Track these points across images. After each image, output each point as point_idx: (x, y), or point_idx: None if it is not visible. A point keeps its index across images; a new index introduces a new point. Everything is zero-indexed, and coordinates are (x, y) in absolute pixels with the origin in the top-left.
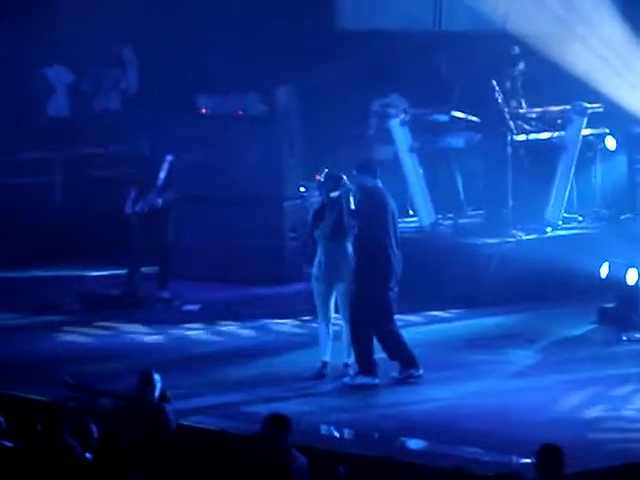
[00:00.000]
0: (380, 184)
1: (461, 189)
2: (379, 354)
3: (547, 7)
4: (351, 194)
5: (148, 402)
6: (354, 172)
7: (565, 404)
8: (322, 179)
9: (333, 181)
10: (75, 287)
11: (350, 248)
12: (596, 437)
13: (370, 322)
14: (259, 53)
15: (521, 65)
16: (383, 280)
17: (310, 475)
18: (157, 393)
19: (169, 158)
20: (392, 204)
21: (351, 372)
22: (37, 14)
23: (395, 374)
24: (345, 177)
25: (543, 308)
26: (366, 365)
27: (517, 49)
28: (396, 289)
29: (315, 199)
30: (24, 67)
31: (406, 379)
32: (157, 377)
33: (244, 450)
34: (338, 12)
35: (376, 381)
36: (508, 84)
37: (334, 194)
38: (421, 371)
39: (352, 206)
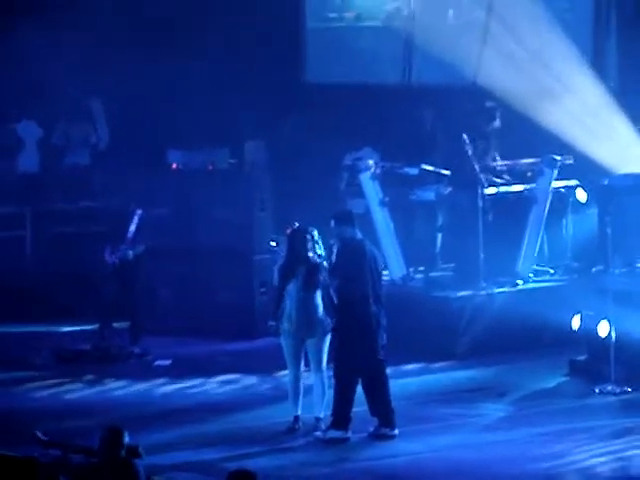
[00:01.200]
0: (359, 234)
1: (438, 242)
2: (356, 407)
3: (517, 62)
4: (334, 248)
5: (116, 458)
6: (332, 223)
7: (537, 458)
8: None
9: (299, 235)
10: (47, 342)
11: (321, 302)
12: None
13: (360, 372)
14: (228, 108)
15: (496, 122)
16: (367, 330)
17: None
18: (123, 449)
19: (139, 212)
20: (373, 253)
21: (322, 426)
22: (4, 69)
23: (371, 429)
24: (315, 231)
25: (515, 361)
26: (340, 418)
27: (494, 107)
28: (385, 337)
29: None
30: None
31: (379, 437)
32: (123, 432)
33: None
34: (306, 65)
35: (348, 435)
36: (481, 139)
37: (320, 260)
38: (396, 431)
39: (333, 260)
